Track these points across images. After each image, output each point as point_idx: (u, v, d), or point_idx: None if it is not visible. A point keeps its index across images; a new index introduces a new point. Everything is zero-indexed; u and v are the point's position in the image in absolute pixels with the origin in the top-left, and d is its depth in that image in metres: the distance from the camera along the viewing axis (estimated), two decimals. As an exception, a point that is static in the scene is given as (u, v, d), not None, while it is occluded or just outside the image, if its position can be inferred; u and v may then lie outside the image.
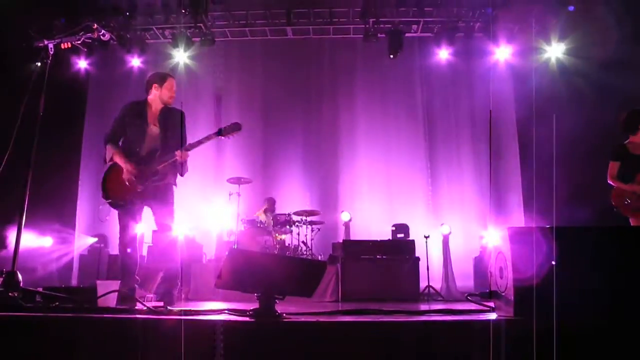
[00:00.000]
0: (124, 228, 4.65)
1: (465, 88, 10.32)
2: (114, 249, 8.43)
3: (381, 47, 10.19)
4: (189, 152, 4.55)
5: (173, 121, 4.74)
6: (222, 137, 4.53)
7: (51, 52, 3.68)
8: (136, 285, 4.61)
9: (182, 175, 4.72)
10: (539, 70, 9.31)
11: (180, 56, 10.48)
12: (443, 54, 10.30)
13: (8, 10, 8.98)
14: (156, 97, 4.74)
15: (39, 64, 8.61)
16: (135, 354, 2.12)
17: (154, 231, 8.75)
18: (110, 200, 4.59)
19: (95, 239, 8.73)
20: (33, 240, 8.29)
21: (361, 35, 10.28)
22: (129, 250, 4.68)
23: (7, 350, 2.09)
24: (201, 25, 10.22)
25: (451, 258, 8.75)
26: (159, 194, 4.63)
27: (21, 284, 3.08)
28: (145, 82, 4.85)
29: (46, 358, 2.10)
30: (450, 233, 8.88)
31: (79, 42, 3.93)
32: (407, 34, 10.24)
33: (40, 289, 3.22)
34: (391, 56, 10.02)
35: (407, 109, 10.59)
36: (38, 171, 3.73)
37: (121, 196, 4.57)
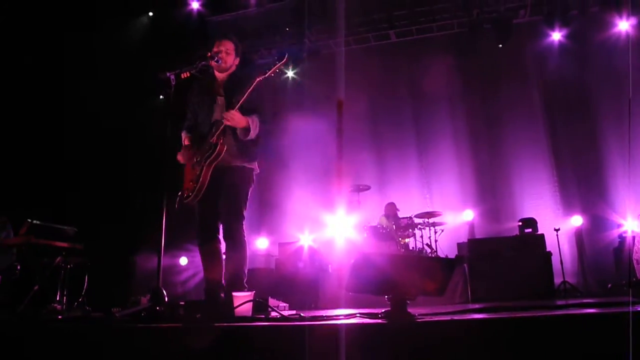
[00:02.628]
0: (199, 227, 4.06)
1: (585, 68, 9.61)
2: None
3: (489, 38, 9.86)
4: (238, 112, 3.82)
5: (239, 86, 3.98)
6: (266, 75, 3.83)
7: (173, 83, 3.84)
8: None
9: (244, 139, 3.93)
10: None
11: (289, 72, 10.82)
12: (556, 35, 9.72)
13: (132, 51, 9.82)
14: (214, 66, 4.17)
15: (161, 97, 9.28)
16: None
17: (280, 243, 9.08)
18: (180, 193, 4.01)
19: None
20: (171, 260, 8.89)
21: (466, 29, 10.00)
22: (210, 254, 4.07)
23: (157, 356, 2.26)
24: (305, 39, 10.47)
25: (587, 250, 8.21)
26: (225, 180, 3.96)
27: (166, 299, 3.31)
28: None
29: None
30: (583, 224, 8.34)
31: (196, 70, 4.05)
32: (514, 20, 9.82)
33: (182, 303, 3.43)
34: (500, 45, 9.65)
35: (523, 97, 10.08)
36: (170, 194, 3.95)
37: (186, 185, 3.99)
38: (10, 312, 5.10)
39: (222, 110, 3.98)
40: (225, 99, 4.04)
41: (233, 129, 3.90)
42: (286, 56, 3.83)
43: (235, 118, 3.81)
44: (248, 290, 3.76)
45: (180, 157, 4.10)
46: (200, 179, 3.85)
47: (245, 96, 3.82)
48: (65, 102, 8.58)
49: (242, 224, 3.96)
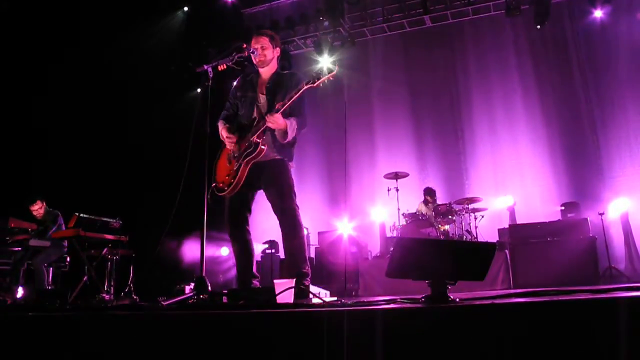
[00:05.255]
0: (228, 219, 4.12)
1: (629, 46, 9.27)
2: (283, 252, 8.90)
3: (526, 19, 9.66)
4: (281, 116, 3.84)
5: (284, 87, 4.09)
6: (314, 85, 3.79)
7: (211, 76, 3.89)
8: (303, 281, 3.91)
9: (282, 142, 3.97)
10: None
11: (324, 62, 10.80)
12: (597, 13, 9.42)
13: (168, 46, 9.99)
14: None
15: (199, 90, 9.44)
16: (315, 346, 2.22)
17: (319, 232, 9.13)
18: (214, 184, 4.07)
19: (266, 245, 9.25)
20: (213, 250, 9.06)
21: (503, 11, 9.81)
22: (240, 244, 4.12)
23: (199, 342, 2.33)
24: (340, 28, 10.45)
25: (634, 234, 7.99)
26: (267, 173, 4.03)
27: (209, 288, 3.40)
28: None
29: (233, 349, 2.30)
30: (629, 207, 8.12)
31: (233, 62, 4.07)
32: (553, 0, 9.58)
33: (225, 291, 3.51)
34: (538, 27, 9.43)
35: (564, 78, 9.84)
36: (210, 186, 4.04)
37: (221, 178, 4.09)
38: (61, 302, 5.31)
39: (263, 110, 4.05)
40: (267, 99, 4.09)
41: (272, 130, 3.94)
42: (336, 68, 3.79)
43: (277, 121, 3.83)
44: (309, 274, 3.91)
45: (224, 133, 4.14)
46: (238, 175, 3.95)
47: (289, 103, 3.84)
48: (105, 97, 8.81)
49: (296, 208, 3.99)
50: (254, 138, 3.93)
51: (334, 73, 3.77)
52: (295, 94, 3.82)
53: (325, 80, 3.77)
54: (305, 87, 3.80)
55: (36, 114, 8.43)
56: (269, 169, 4.02)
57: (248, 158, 3.93)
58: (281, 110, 3.83)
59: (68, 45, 8.42)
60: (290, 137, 3.97)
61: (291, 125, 3.93)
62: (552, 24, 9.61)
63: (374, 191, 10.11)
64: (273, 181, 4.02)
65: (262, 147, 3.91)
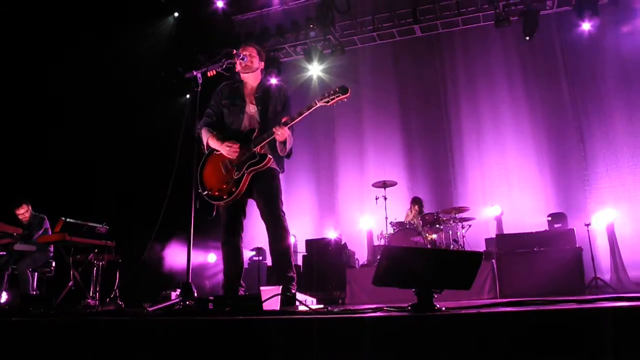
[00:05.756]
0: (226, 225, 4.15)
1: (616, 58, 9.40)
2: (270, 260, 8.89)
3: (515, 31, 9.74)
4: (289, 129, 3.93)
5: (273, 98, 4.22)
6: (327, 105, 3.88)
7: (200, 82, 3.89)
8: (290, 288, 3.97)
9: (284, 155, 4.11)
10: None
11: (314, 69, 10.82)
12: (585, 25, 9.50)
13: (158, 52, 9.97)
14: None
15: (188, 96, 9.42)
16: (301, 353, 2.21)
17: (307, 240, 9.12)
18: (206, 192, 4.07)
19: (254, 252, 9.23)
20: (200, 257, 9.03)
21: (492, 22, 9.89)
22: (232, 251, 4.16)
23: (184, 349, 2.32)
24: (330, 37, 10.48)
25: (620, 246, 8.04)
26: (261, 181, 4.07)
27: (195, 294, 3.38)
28: None
29: (219, 356, 2.29)
30: (615, 218, 8.18)
31: (222, 68, 4.08)
32: (542, 12, 9.68)
33: (212, 298, 3.49)
34: (527, 38, 9.51)
35: (552, 89, 9.92)
36: (198, 192, 4.03)
37: (217, 186, 4.07)
38: (46, 308, 5.25)
39: (255, 119, 4.15)
40: (259, 109, 4.18)
41: (273, 141, 3.99)
42: (349, 91, 3.83)
43: (285, 134, 3.90)
44: (295, 279, 3.98)
45: (213, 144, 4.16)
46: (241, 185, 3.98)
47: (299, 119, 3.91)
48: (93, 102, 8.76)
49: (284, 215, 4.07)
50: (258, 149, 3.99)
51: (347, 95, 3.83)
52: (307, 110, 3.88)
53: (339, 102, 3.85)
54: (318, 105, 3.86)
55: (27, 117, 8.36)
56: (264, 178, 4.07)
57: (253, 168, 3.99)
58: (290, 124, 3.90)
59: (51, 50, 8.36)
60: (289, 148, 4.05)
61: (290, 137, 4.01)
62: (541, 36, 9.68)
63: (362, 199, 10.13)
64: (267, 190, 4.07)
65: (270, 159, 4.00)
